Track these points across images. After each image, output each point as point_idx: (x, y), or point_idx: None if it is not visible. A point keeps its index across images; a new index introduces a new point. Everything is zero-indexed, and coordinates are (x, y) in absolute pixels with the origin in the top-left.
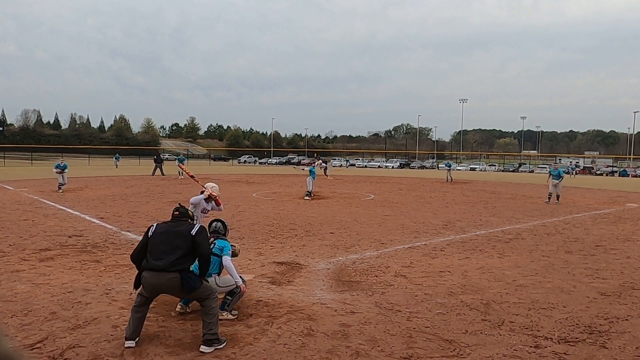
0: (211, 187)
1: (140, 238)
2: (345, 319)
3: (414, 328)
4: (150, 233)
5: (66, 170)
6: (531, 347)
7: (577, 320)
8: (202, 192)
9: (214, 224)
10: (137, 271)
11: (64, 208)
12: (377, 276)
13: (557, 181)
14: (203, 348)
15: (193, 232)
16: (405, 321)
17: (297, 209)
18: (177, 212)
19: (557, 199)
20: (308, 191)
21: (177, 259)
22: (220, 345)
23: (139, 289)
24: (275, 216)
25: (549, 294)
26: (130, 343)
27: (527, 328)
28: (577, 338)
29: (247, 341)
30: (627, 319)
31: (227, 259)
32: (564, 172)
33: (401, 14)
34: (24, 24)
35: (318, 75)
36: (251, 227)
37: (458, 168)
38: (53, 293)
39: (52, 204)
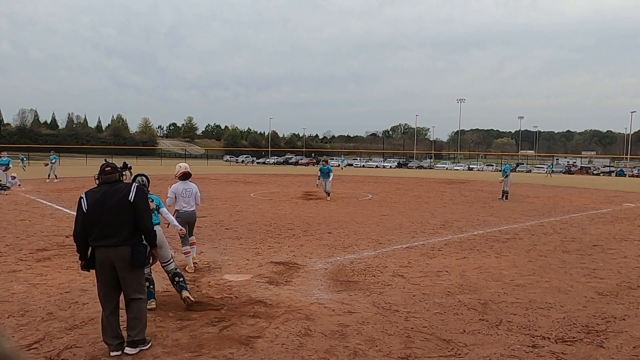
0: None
1: None
2: (343, 319)
3: (412, 328)
4: (84, 207)
5: (11, 166)
6: (529, 346)
7: (574, 320)
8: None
9: (138, 178)
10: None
11: (61, 208)
12: (374, 276)
13: (503, 178)
14: (128, 350)
15: (130, 197)
16: (403, 321)
17: (295, 209)
18: (108, 168)
19: (503, 196)
20: (327, 192)
21: (127, 237)
22: (146, 346)
23: (98, 290)
24: (273, 216)
25: (547, 293)
26: (117, 353)
27: (524, 328)
28: (574, 338)
29: (245, 341)
30: (624, 319)
31: (163, 210)
32: (509, 169)
33: (398, 12)
34: (18, 22)
35: (315, 75)
36: (249, 227)
37: (455, 168)
38: (50, 293)
39: (49, 204)
